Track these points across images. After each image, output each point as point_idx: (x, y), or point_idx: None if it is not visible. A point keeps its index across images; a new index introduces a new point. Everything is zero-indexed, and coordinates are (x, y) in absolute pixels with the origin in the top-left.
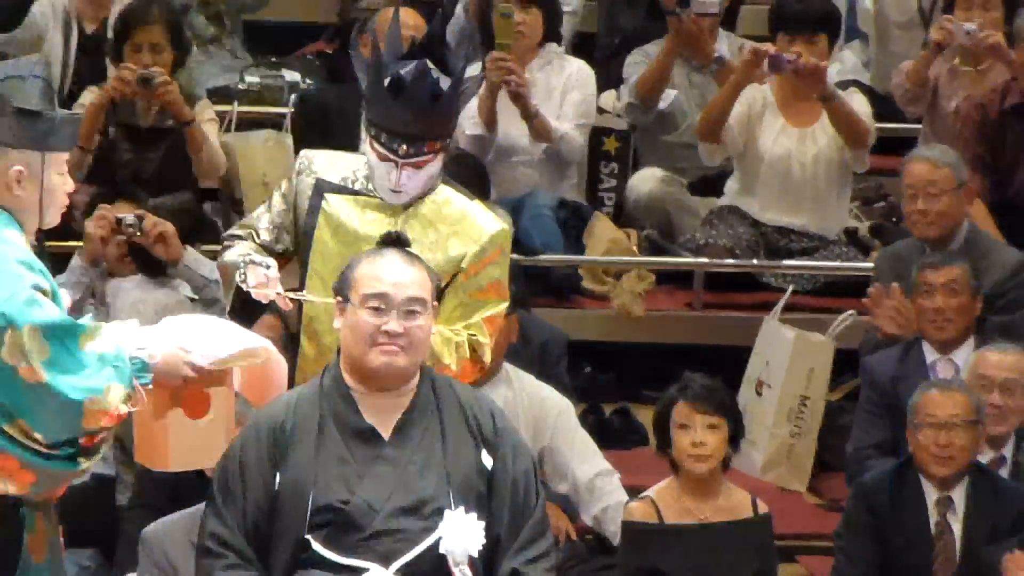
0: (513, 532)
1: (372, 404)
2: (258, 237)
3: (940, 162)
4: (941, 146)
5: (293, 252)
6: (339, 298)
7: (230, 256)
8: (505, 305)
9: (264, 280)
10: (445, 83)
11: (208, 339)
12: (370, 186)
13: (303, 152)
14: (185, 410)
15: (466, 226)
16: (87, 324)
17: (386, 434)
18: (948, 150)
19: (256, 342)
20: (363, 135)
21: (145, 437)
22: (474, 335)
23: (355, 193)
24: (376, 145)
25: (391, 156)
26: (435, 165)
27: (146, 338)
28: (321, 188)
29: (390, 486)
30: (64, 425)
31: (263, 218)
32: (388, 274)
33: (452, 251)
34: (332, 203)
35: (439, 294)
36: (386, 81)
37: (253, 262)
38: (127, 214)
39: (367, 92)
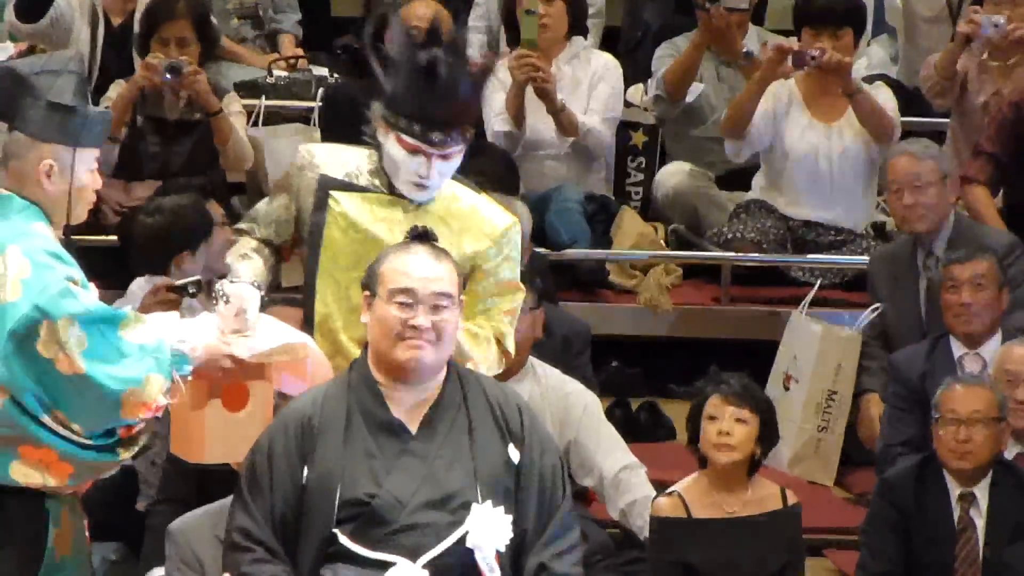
0: (540, 526)
1: (399, 398)
2: (257, 231)
3: (923, 155)
4: (923, 140)
5: (293, 243)
6: (366, 292)
7: (230, 258)
8: (522, 295)
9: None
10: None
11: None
12: (376, 182)
13: (303, 146)
14: (224, 402)
15: (477, 221)
16: (127, 313)
17: (413, 428)
18: (930, 143)
19: (297, 337)
20: (382, 131)
21: (182, 428)
22: (496, 326)
23: (361, 190)
24: (406, 138)
25: (424, 147)
26: (460, 157)
27: (187, 330)
28: (326, 184)
29: (417, 480)
30: (103, 416)
31: (262, 211)
32: (415, 269)
33: (466, 248)
34: (340, 200)
35: None
36: (420, 66)
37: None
38: (187, 280)
39: (393, 83)
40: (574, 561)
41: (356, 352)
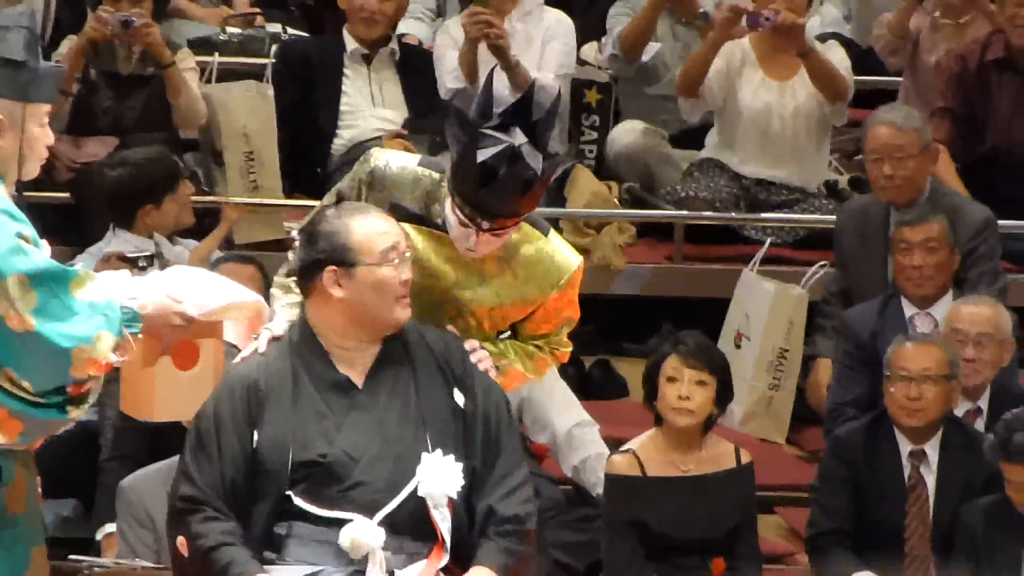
0: (488, 466)
1: (343, 356)
2: None
3: (905, 126)
4: (905, 108)
5: None
6: (333, 268)
7: (280, 307)
8: (577, 318)
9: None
10: (534, 159)
11: (199, 290)
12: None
13: (375, 162)
14: (174, 360)
15: (543, 269)
16: (77, 271)
17: (360, 384)
18: (912, 112)
19: (247, 296)
20: (445, 194)
21: (132, 386)
22: (556, 348)
23: (431, 226)
24: (458, 212)
25: (473, 226)
26: (513, 229)
27: (137, 287)
28: (396, 214)
29: (367, 435)
30: (53, 373)
31: None
32: (388, 226)
33: (529, 295)
34: (409, 233)
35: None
36: (478, 164)
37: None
38: (139, 253)
39: (457, 162)
40: (523, 499)
41: None
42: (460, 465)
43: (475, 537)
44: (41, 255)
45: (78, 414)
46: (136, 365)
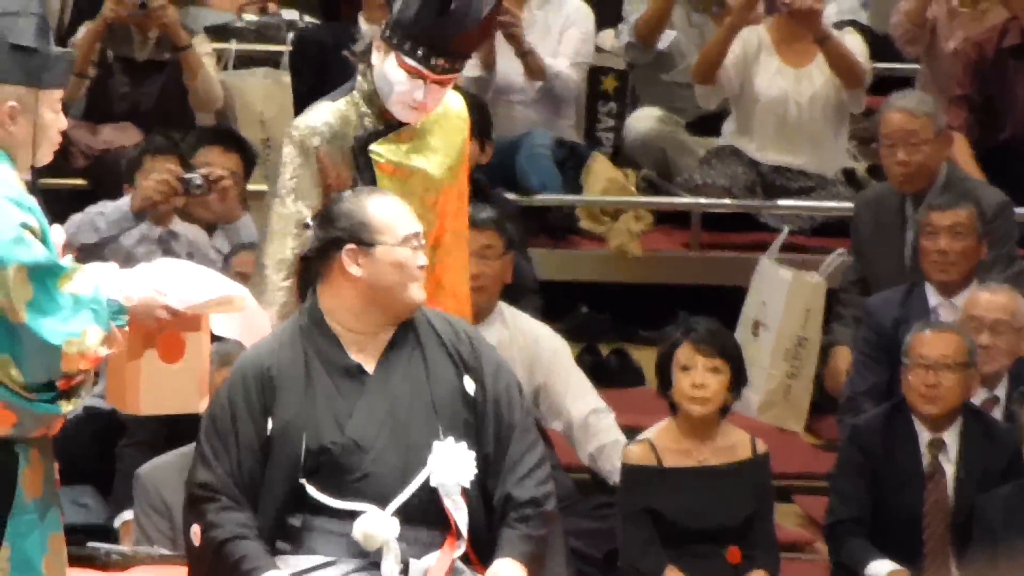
0: (501, 451)
1: (354, 341)
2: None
3: (918, 111)
4: (918, 93)
5: None
6: (351, 245)
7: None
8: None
9: None
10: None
11: (184, 283)
12: (379, 124)
13: (305, 127)
14: (159, 353)
15: (450, 112)
16: (66, 265)
17: (370, 370)
18: (925, 98)
19: (234, 289)
20: (379, 55)
21: (117, 378)
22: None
23: (383, 134)
24: (408, 59)
25: (424, 72)
26: (452, 84)
27: (123, 280)
28: (363, 143)
29: (378, 423)
30: (43, 367)
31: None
32: (408, 215)
33: (458, 141)
34: (379, 151)
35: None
36: None
37: None
38: (194, 174)
39: (404, 6)
40: (539, 480)
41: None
42: (472, 453)
43: (495, 526)
44: (41, 247)
45: (70, 408)
46: (122, 358)
